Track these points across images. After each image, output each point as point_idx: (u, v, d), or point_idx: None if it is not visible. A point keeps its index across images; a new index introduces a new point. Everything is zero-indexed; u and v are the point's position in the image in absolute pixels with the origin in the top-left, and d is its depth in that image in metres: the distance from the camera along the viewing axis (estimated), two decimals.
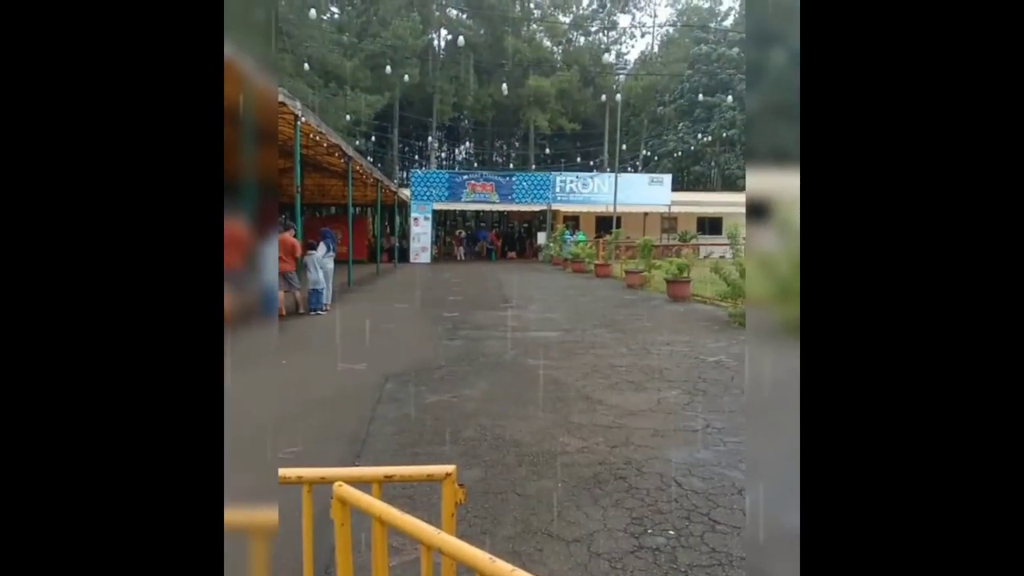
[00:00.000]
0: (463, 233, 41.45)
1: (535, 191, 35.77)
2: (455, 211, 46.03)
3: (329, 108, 43.71)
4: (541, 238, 36.10)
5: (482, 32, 55.03)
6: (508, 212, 41.85)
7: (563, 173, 38.32)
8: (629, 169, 56.63)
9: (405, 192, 35.51)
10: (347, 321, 12.14)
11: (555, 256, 29.96)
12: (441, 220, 45.24)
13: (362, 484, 2.22)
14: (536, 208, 36.31)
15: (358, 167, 19.95)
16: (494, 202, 35.94)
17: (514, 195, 35.57)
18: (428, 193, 35.00)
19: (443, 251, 40.54)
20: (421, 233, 34.90)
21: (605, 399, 6.90)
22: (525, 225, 44.64)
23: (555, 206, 35.87)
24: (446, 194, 35.17)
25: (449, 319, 12.75)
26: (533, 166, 56.10)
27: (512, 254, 39.24)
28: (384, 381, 7.65)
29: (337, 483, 2.18)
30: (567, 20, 58.54)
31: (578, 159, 59.67)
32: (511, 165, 60.30)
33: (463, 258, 37.63)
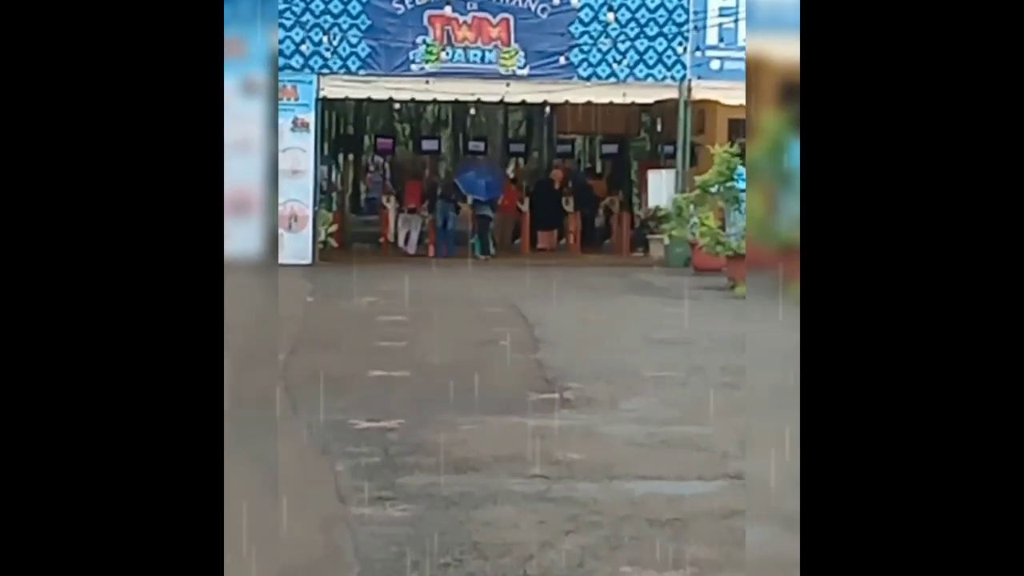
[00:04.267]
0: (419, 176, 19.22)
1: (640, 43, 15.97)
2: (388, 104, 19.36)
3: None
4: (657, 189, 16.61)
5: None
6: (552, 107, 18.46)
7: None
8: None
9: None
10: None
11: (702, 244, 14.30)
12: (345, 136, 24.31)
13: None
14: (642, 96, 16.71)
15: None
16: (510, 72, 15.63)
17: (573, 57, 15.99)
18: (305, 47, 15.79)
19: (350, 229, 18.73)
20: (288, 172, 14.59)
21: None
22: (612, 149, 21.35)
23: (705, 87, 16.19)
24: (363, 53, 15.85)
25: (372, 440, 6.78)
26: None
27: (551, 238, 18.12)
28: None
29: None
30: None
31: None
32: None
33: (410, 249, 17.50)
